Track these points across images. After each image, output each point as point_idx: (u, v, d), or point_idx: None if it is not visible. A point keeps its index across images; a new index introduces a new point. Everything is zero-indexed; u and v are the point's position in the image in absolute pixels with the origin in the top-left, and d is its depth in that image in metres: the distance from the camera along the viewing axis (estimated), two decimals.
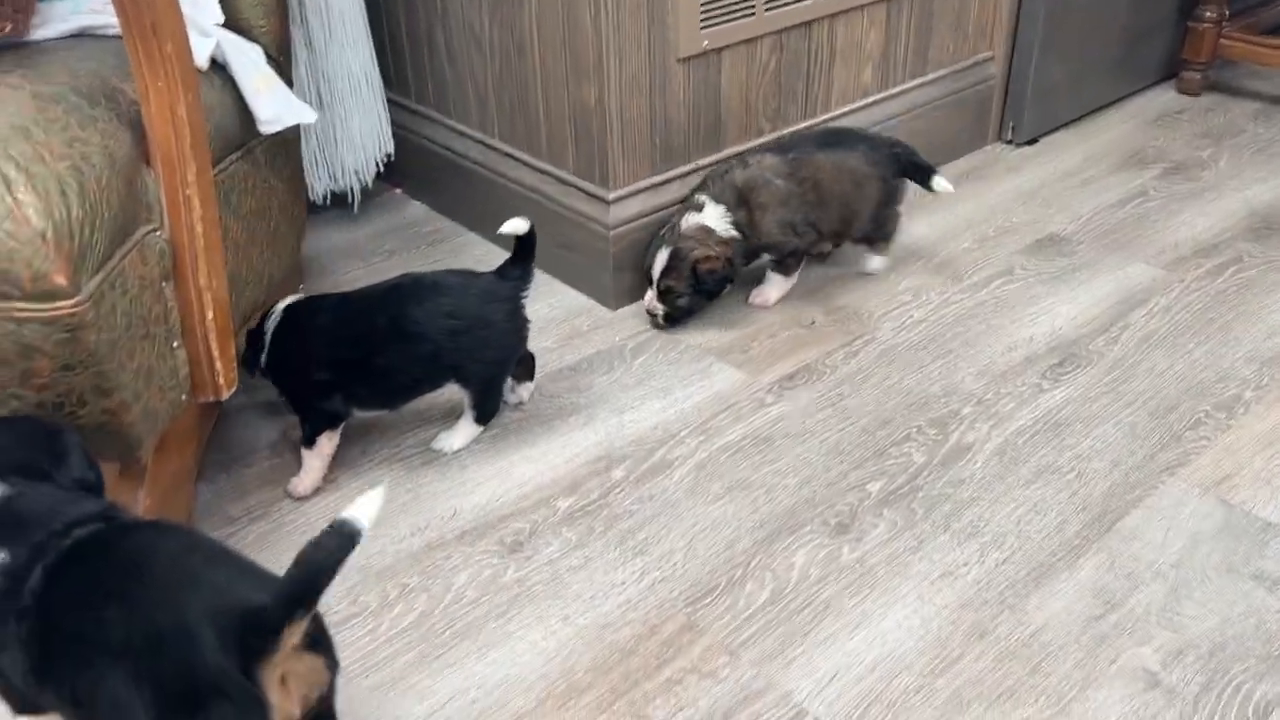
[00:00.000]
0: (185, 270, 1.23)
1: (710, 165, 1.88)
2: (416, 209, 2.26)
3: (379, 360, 1.43)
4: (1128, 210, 2.14)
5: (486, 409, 1.55)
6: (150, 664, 0.82)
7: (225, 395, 1.30)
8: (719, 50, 1.81)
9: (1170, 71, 2.69)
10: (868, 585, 1.31)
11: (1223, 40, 2.57)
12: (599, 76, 1.70)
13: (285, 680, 0.85)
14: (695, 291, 1.75)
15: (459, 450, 1.55)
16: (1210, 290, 1.87)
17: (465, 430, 1.55)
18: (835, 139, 1.83)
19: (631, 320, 1.84)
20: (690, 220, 1.74)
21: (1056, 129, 2.48)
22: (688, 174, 1.87)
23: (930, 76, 2.23)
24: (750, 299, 1.85)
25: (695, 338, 1.78)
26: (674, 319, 1.79)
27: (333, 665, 0.91)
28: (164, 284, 1.20)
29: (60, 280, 1.02)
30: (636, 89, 1.73)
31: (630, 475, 1.50)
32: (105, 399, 1.11)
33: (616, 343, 1.79)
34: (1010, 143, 2.43)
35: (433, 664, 1.22)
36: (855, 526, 1.40)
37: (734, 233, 1.74)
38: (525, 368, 1.63)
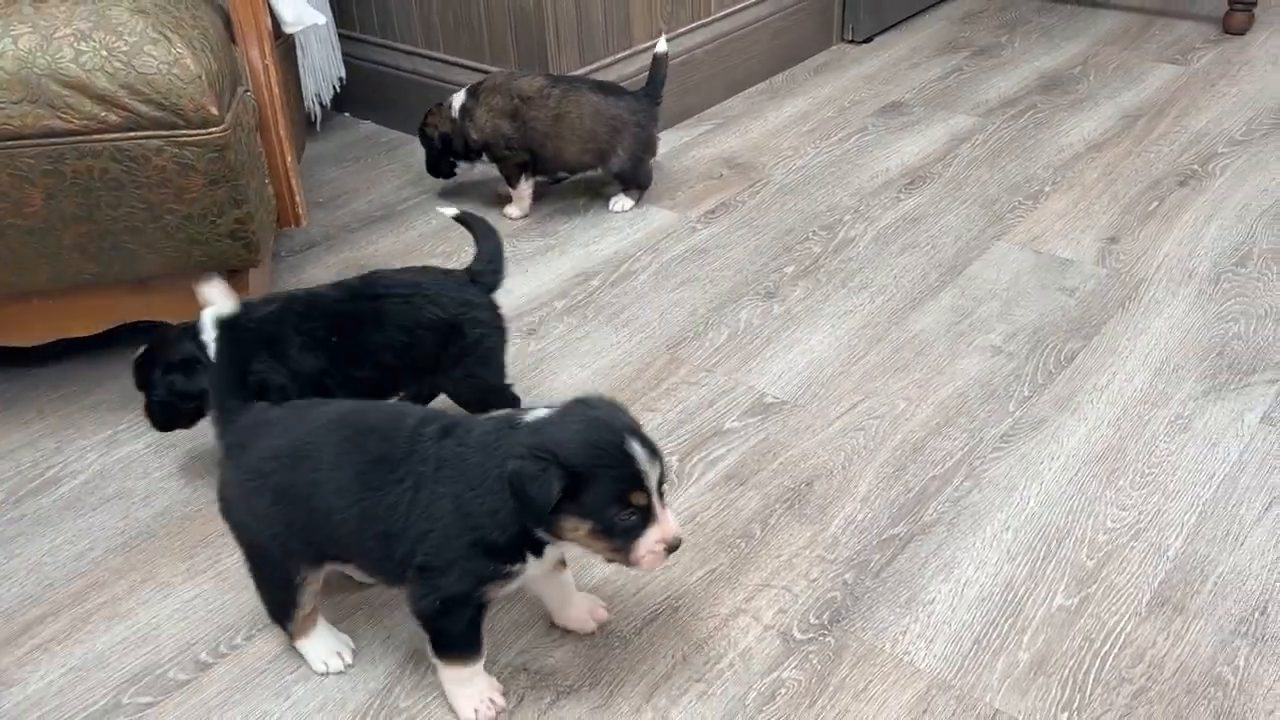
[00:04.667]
0: (268, 122, 1.60)
1: (625, 59, 2.34)
2: (368, 126, 2.63)
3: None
4: (948, 81, 2.70)
5: None
6: None
7: (303, 225, 1.68)
8: None
9: None
10: (795, 324, 1.79)
11: None
12: None
13: None
14: (427, 149, 2.16)
15: None
16: (1015, 128, 2.43)
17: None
18: (610, 89, 2.14)
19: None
20: (448, 99, 2.12)
21: (886, 29, 3.03)
22: (607, 65, 2.31)
23: None
24: (502, 212, 2.16)
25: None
26: (429, 168, 2.19)
27: None
28: (255, 133, 1.58)
29: (213, 110, 1.40)
30: None
31: (605, 282, 1.94)
32: (237, 209, 1.49)
33: (571, 201, 2.22)
34: (851, 41, 2.96)
35: None
36: (779, 293, 1.88)
37: (457, 115, 2.09)
38: None
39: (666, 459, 1.05)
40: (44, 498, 1.48)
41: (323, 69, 2.50)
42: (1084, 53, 2.81)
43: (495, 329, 1.46)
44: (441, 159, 2.16)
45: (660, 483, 1.04)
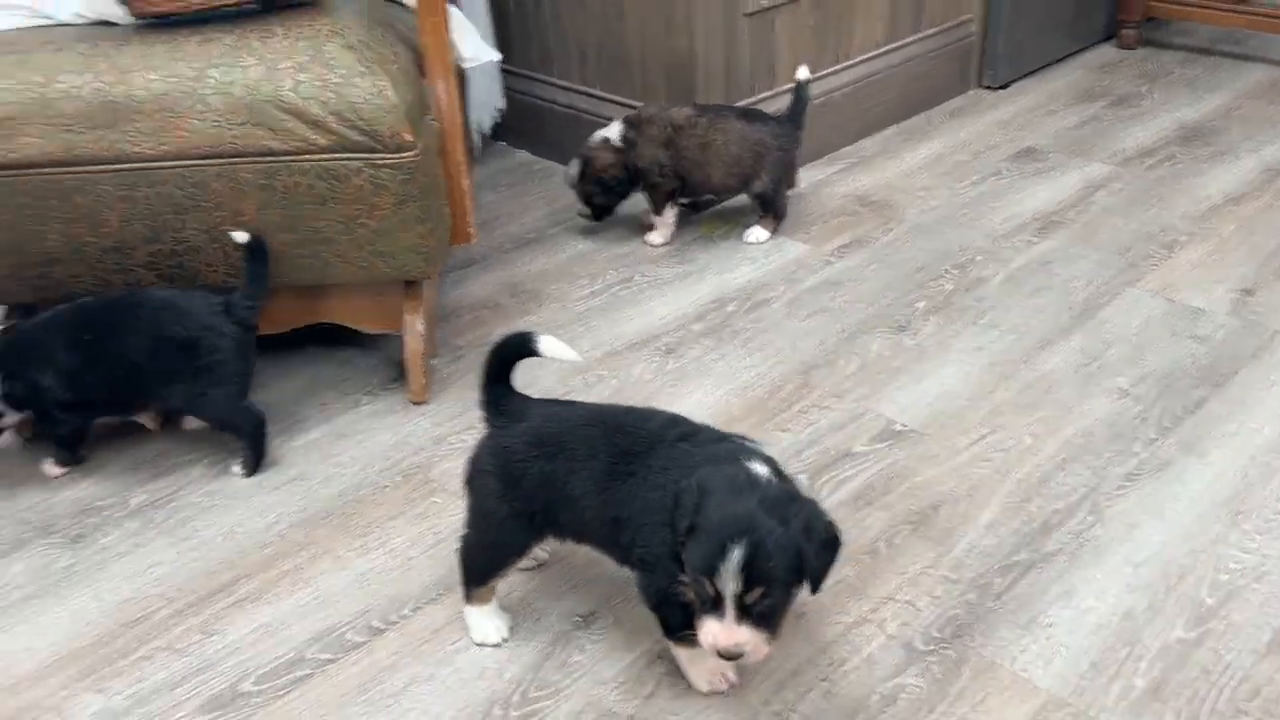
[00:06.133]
0: (449, 147, 1.77)
1: (768, 98, 2.45)
2: (522, 155, 2.80)
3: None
4: (1085, 129, 2.73)
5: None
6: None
7: (473, 242, 1.85)
8: (773, 8, 2.38)
9: (1111, 31, 3.30)
10: (926, 357, 1.87)
11: (1152, 2, 3.18)
12: (688, 28, 2.26)
13: None
14: (604, 190, 2.25)
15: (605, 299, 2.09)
16: (1152, 177, 2.46)
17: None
18: (755, 115, 2.26)
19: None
20: (596, 136, 2.26)
21: (1023, 76, 3.08)
22: (753, 103, 2.43)
23: (925, 33, 2.81)
24: (644, 239, 2.31)
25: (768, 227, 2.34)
26: (598, 214, 2.30)
27: None
28: (438, 157, 1.74)
29: (408, 136, 1.57)
30: (715, 37, 2.30)
31: (740, 309, 2.05)
32: (420, 226, 1.65)
33: (708, 231, 2.34)
34: (988, 87, 3.02)
35: None
36: (910, 326, 1.96)
37: (621, 144, 2.22)
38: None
39: (766, 582, 1.06)
40: (236, 476, 1.66)
41: (485, 100, 2.69)
42: (1227, 105, 2.81)
43: (235, 355, 1.60)
44: (614, 195, 2.26)
45: (742, 595, 1.06)
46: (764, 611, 1.07)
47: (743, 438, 1.22)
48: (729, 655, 1.08)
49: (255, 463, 1.65)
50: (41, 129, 1.52)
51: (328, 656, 1.34)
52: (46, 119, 1.52)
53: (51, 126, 1.53)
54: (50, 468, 1.67)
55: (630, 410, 1.30)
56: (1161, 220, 2.27)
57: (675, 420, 1.23)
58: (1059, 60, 3.18)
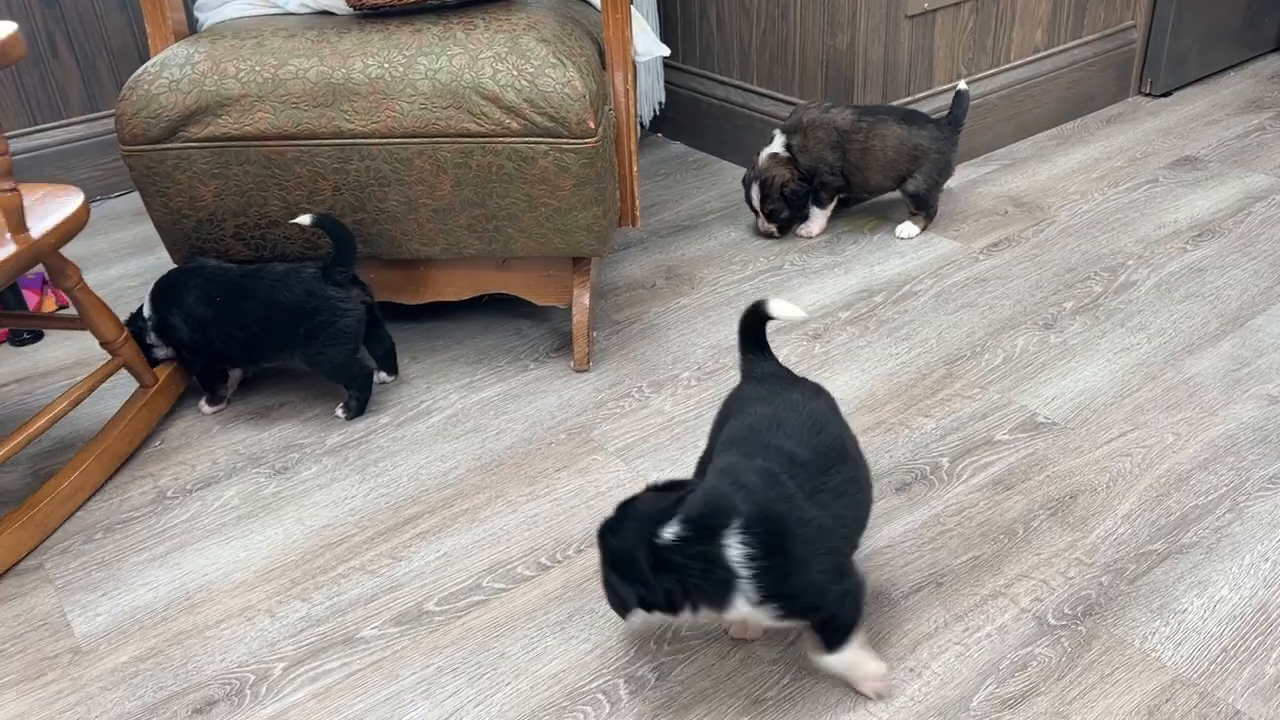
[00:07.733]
0: (623, 136, 1.91)
1: (924, 99, 2.52)
2: (677, 147, 2.93)
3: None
4: (1248, 140, 2.70)
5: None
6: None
7: (638, 226, 1.98)
8: (934, 11, 2.45)
9: None
10: (1070, 355, 1.92)
11: None
12: (851, 27, 2.35)
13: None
14: (790, 205, 2.34)
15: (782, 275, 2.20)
16: None
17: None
18: (914, 118, 2.32)
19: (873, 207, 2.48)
20: (764, 153, 2.34)
21: (1187, 85, 3.04)
22: (908, 103, 2.50)
23: (1086, 39, 2.82)
24: (797, 230, 2.40)
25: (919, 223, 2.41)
26: (784, 228, 2.39)
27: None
28: (613, 145, 1.88)
29: (591, 124, 1.71)
30: (876, 37, 2.38)
31: (887, 300, 2.13)
32: (595, 207, 1.79)
33: (858, 226, 2.42)
34: (1149, 94, 3.00)
35: None
36: (1056, 325, 2.01)
37: (788, 153, 2.31)
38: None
39: None
40: (419, 424, 1.84)
41: (646, 93, 2.83)
42: None
43: (343, 314, 1.77)
44: (797, 206, 2.35)
45: None
46: None
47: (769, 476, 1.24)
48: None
49: (358, 409, 1.86)
50: (273, 105, 1.72)
51: (501, 586, 1.49)
52: (278, 97, 1.72)
53: (281, 103, 1.72)
54: (204, 406, 1.90)
55: (833, 413, 1.36)
56: None
57: (844, 452, 1.30)
58: (1225, 69, 3.13)
